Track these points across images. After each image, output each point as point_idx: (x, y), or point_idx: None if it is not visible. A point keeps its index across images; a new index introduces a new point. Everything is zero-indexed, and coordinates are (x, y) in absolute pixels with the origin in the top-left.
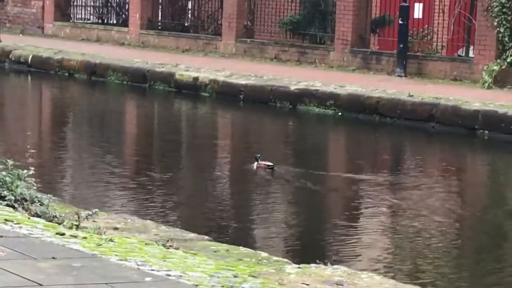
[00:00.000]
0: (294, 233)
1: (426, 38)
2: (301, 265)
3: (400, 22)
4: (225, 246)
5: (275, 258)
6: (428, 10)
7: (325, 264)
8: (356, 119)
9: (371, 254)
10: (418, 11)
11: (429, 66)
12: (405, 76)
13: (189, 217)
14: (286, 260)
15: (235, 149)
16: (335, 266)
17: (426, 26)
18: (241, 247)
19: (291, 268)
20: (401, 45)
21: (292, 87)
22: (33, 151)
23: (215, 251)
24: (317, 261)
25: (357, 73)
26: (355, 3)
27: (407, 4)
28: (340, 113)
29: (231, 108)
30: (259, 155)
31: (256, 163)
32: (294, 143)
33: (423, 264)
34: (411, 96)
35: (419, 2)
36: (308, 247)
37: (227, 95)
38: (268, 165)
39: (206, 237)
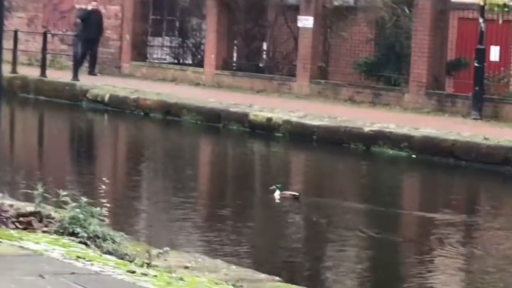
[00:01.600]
0: (366, 273)
1: (502, 81)
2: None
3: (476, 64)
4: (294, 287)
5: None
6: (505, 52)
7: None
8: (431, 161)
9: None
10: (494, 53)
11: (505, 109)
12: (481, 119)
13: (260, 257)
14: None
15: (308, 190)
16: None
17: (503, 69)
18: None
19: None
20: (477, 88)
21: (366, 129)
22: (107, 188)
23: None
24: None
25: (432, 116)
26: (430, 45)
27: (483, 47)
28: (414, 156)
29: (304, 149)
30: (279, 185)
31: (278, 192)
32: (368, 184)
33: None
34: (487, 139)
35: (496, 44)
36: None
37: (300, 135)
38: (294, 195)
39: (277, 278)
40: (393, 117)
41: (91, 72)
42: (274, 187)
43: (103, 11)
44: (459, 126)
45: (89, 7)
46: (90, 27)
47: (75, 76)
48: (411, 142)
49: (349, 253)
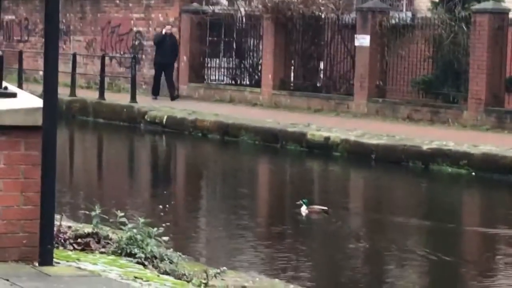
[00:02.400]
0: None
1: None
2: None
3: None
4: None
5: None
6: None
7: None
8: (491, 179)
9: None
10: None
11: None
12: None
13: (319, 277)
14: None
15: (368, 209)
16: None
17: None
18: None
19: None
20: None
21: (425, 147)
22: (165, 208)
23: None
24: None
25: (491, 133)
26: (489, 62)
27: None
28: (473, 173)
29: (363, 168)
30: (305, 200)
31: (305, 207)
32: (428, 202)
33: None
34: None
35: None
36: None
37: (358, 154)
38: (323, 209)
39: None
40: (452, 134)
41: (173, 96)
42: (300, 201)
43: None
44: None
45: (164, 31)
46: (165, 51)
47: (154, 95)
48: (470, 159)
49: (412, 272)
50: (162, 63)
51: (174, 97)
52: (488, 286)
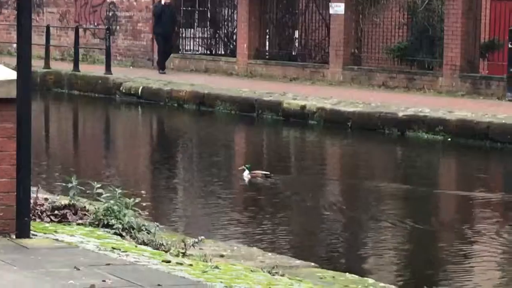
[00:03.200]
0: (403, 258)
1: None
2: None
3: (510, 45)
4: (331, 272)
5: (382, 284)
6: None
7: None
8: (466, 144)
9: (480, 279)
10: None
11: None
12: None
13: (296, 244)
14: (393, 286)
15: (344, 176)
16: None
17: None
18: (347, 273)
19: None
20: (511, 69)
21: (400, 114)
22: (141, 179)
23: (321, 278)
24: (425, 287)
25: (466, 98)
26: (463, 28)
27: None
28: (449, 139)
29: (339, 135)
30: (248, 165)
31: (247, 172)
32: (403, 167)
33: None
34: None
35: None
36: (417, 273)
37: (334, 122)
38: (265, 174)
39: (312, 263)
40: (428, 101)
41: (162, 69)
42: (243, 167)
43: (133, 3)
44: (494, 108)
45: (163, 1)
46: (165, 22)
47: (162, 70)
48: (446, 125)
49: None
50: (163, 34)
51: (162, 71)
52: (466, 250)
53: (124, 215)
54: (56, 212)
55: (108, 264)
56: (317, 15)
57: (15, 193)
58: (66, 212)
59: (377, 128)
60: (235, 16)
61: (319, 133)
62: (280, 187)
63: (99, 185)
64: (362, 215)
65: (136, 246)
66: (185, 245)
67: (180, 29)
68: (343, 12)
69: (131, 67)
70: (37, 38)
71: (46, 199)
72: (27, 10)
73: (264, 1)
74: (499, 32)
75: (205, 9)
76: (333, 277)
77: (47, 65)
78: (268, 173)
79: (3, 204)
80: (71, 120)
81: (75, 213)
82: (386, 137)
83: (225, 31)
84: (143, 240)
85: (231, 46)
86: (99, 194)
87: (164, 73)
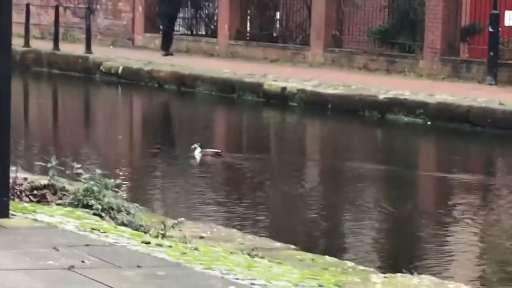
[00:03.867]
0: (381, 241)
1: None
2: (387, 275)
3: (491, 30)
4: (310, 255)
5: (361, 267)
6: None
7: (412, 273)
8: (446, 128)
9: (459, 262)
10: (508, 18)
11: None
12: (496, 84)
13: (275, 227)
14: (372, 269)
15: (324, 158)
16: (422, 276)
17: None
18: (326, 256)
19: (377, 278)
20: (492, 53)
21: (381, 96)
22: (121, 160)
23: (301, 260)
24: (404, 270)
25: (447, 82)
26: (444, 12)
27: (497, 12)
28: (429, 122)
29: (319, 117)
30: (198, 144)
31: (199, 150)
32: (383, 150)
33: None
34: (502, 104)
35: (510, 9)
36: (395, 256)
37: (315, 104)
38: (216, 152)
39: (292, 246)
40: (408, 84)
41: (167, 52)
42: (194, 145)
43: None
44: (474, 92)
45: None
46: (168, 3)
47: (166, 52)
48: (426, 108)
49: (367, 216)
50: (168, 14)
51: (168, 52)
52: (444, 232)
53: (104, 195)
54: (35, 192)
55: (87, 245)
56: None
57: None
58: (46, 192)
59: (357, 111)
60: None
61: (299, 115)
62: (253, 168)
63: (78, 166)
64: (330, 196)
65: (115, 227)
66: (164, 226)
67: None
68: None
69: (111, 47)
70: (17, 16)
71: (25, 179)
72: None
73: None
74: (480, 16)
75: None
76: (313, 259)
77: (26, 44)
78: (219, 151)
79: None
80: (51, 99)
81: (55, 193)
82: (366, 120)
83: (206, 12)
84: (123, 221)
85: (212, 26)
86: (79, 175)
87: (171, 54)
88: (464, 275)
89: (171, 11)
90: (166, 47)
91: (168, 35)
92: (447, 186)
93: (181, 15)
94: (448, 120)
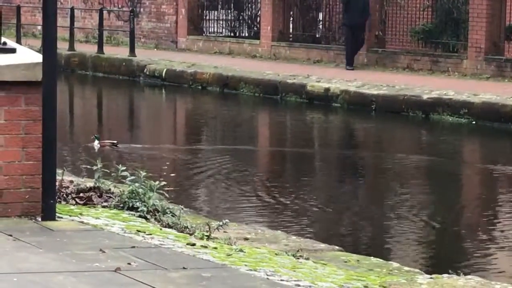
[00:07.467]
0: (427, 242)
1: None
2: (433, 276)
3: None
4: (355, 256)
5: (406, 268)
6: None
7: (458, 274)
8: (491, 127)
9: (507, 263)
10: None
11: None
12: None
13: (321, 228)
14: (417, 270)
15: (368, 159)
16: (468, 277)
17: None
18: (372, 257)
19: (423, 279)
20: None
21: (425, 96)
22: (166, 162)
23: (345, 262)
24: (450, 271)
25: (491, 81)
26: (489, 10)
27: None
28: (474, 122)
29: (363, 118)
30: (97, 135)
31: (97, 142)
32: (427, 149)
33: None
34: None
35: None
36: (441, 256)
37: (358, 105)
38: (113, 143)
39: (337, 247)
40: (452, 83)
41: (348, 65)
42: (93, 137)
43: None
44: None
45: None
46: (353, 11)
47: (349, 66)
48: (470, 108)
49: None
50: (351, 25)
51: (349, 66)
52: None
53: (149, 197)
54: (81, 194)
55: (133, 247)
56: None
57: (41, 176)
58: (91, 195)
59: (401, 111)
60: None
61: (343, 116)
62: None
63: (123, 168)
64: (386, 196)
65: (160, 229)
66: (209, 228)
67: (204, 11)
68: None
69: (155, 49)
70: (62, 21)
71: (71, 182)
72: None
73: None
74: None
75: None
76: (358, 260)
77: (71, 48)
78: (115, 142)
79: (29, 186)
80: (96, 102)
81: (100, 196)
82: (410, 120)
83: (249, 13)
84: (168, 223)
85: (254, 28)
86: (124, 177)
87: (352, 69)
88: None
89: (355, 21)
90: (349, 61)
91: (352, 47)
92: (498, 182)
93: (224, 17)
94: (493, 120)
